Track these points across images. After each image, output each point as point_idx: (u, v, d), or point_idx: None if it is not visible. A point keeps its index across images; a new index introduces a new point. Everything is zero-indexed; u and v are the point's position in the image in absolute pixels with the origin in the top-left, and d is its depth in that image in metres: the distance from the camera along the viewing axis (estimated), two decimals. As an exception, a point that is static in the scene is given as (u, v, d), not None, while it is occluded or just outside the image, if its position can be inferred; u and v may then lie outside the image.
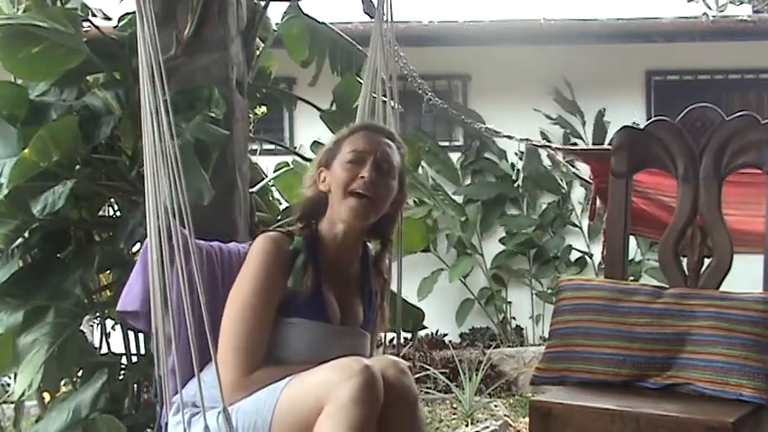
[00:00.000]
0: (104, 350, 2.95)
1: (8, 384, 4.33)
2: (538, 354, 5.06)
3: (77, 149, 2.61)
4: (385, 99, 2.52)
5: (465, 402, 5.21)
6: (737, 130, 2.59)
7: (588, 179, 3.47)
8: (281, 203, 3.35)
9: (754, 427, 2.28)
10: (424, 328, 3.30)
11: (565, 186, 7.23)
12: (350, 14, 4.02)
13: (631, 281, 3.17)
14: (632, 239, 3.21)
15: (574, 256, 7.17)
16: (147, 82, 1.87)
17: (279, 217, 3.04)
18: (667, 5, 7.73)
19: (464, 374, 5.40)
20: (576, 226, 7.22)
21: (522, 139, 3.97)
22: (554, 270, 7.12)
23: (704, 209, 2.60)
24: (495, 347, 6.59)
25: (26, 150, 2.40)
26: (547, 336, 2.98)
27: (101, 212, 3.01)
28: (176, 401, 1.98)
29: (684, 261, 2.64)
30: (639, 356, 2.46)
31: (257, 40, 3.03)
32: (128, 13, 2.92)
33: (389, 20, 2.54)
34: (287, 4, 3.20)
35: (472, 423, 5.02)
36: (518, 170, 7.30)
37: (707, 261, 2.60)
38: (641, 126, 2.80)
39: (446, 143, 7.45)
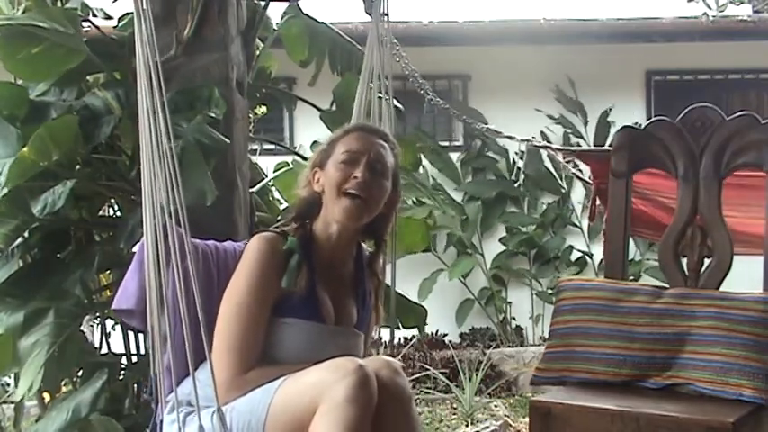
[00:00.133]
0: (104, 350, 2.94)
1: (8, 384, 4.33)
2: (538, 354, 5.06)
3: (77, 149, 2.61)
4: (381, 97, 2.52)
5: (465, 402, 5.21)
6: (737, 130, 2.59)
7: (588, 180, 3.48)
8: (281, 203, 3.35)
9: (754, 427, 2.28)
10: (426, 324, 3.30)
11: (565, 186, 7.23)
12: (350, 14, 4.02)
13: (631, 281, 3.17)
14: (631, 240, 3.20)
15: (574, 256, 7.17)
16: (144, 82, 1.88)
17: (279, 217, 3.04)
18: (667, 5, 7.73)
19: (464, 374, 5.40)
20: (577, 226, 7.22)
21: (522, 140, 3.97)
22: (554, 270, 7.12)
23: (704, 209, 2.60)
24: (495, 347, 6.59)
25: (25, 149, 2.40)
26: (547, 336, 2.98)
27: (101, 212, 3.01)
28: (171, 400, 1.99)
29: (684, 261, 2.64)
30: (639, 356, 2.46)
31: (257, 40, 3.03)
32: (128, 13, 2.91)
33: (386, 19, 2.54)
34: (287, 4, 3.20)
35: (472, 423, 5.02)
36: (518, 169, 7.30)
37: (707, 261, 2.60)
38: (641, 126, 2.80)
39: (446, 143, 7.45)
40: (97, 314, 2.99)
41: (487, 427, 4.81)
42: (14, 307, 2.60)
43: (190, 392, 1.93)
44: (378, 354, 2.48)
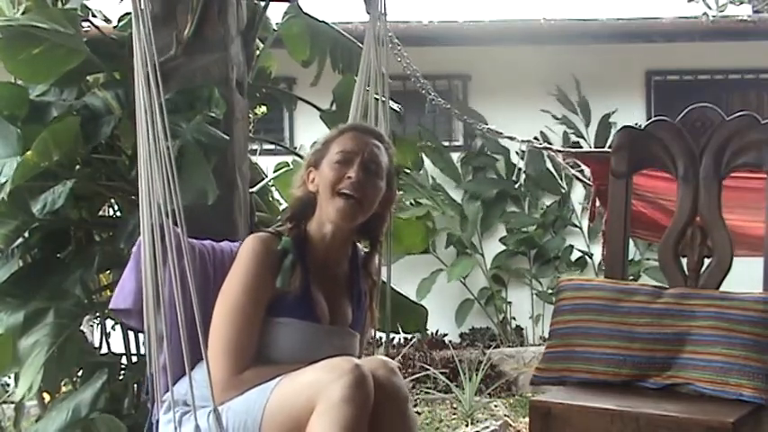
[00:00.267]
0: (104, 350, 2.95)
1: (8, 384, 4.33)
2: (538, 354, 5.06)
3: (77, 149, 2.61)
4: (377, 97, 2.52)
5: (465, 402, 5.21)
6: (737, 130, 2.59)
7: (588, 181, 3.48)
8: (281, 203, 3.35)
9: (754, 427, 2.28)
10: (427, 328, 3.30)
11: (565, 186, 7.23)
12: (350, 14, 4.02)
13: (630, 281, 3.17)
14: (630, 240, 3.21)
15: (574, 256, 7.17)
16: (142, 82, 1.88)
17: (279, 217, 3.05)
18: (667, 5, 7.73)
19: (464, 374, 5.40)
20: (577, 226, 7.22)
21: (523, 141, 3.97)
22: (554, 270, 7.12)
23: (704, 209, 2.60)
24: (495, 347, 6.60)
25: (29, 153, 2.40)
26: (547, 336, 2.98)
27: (101, 212, 3.01)
28: (167, 400, 1.99)
29: (684, 261, 2.64)
30: (639, 356, 2.46)
31: (257, 40, 3.03)
32: (127, 14, 2.91)
33: (384, 18, 2.53)
34: (287, 3, 3.20)
35: (472, 423, 5.03)
36: (519, 170, 7.29)
37: (707, 261, 2.60)
38: (641, 126, 2.80)
39: (446, 143, 7.45)
40: (97, 314, 2.99)
41: (487, 427, 4.82)
42: (14, 307, 2.60)
43: (186, 392, 1.93)
44: (376, 354, 2.48)
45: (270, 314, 2.07)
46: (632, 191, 2.77)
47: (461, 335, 7.06)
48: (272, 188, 3.36)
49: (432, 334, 6.65)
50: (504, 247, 7.20)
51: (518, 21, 7.14)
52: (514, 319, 7.17)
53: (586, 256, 7.14)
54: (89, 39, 2.76)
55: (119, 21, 2.99)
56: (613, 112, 7.21)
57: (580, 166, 3.95)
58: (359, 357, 2.14)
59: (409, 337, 6.49)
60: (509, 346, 6.74)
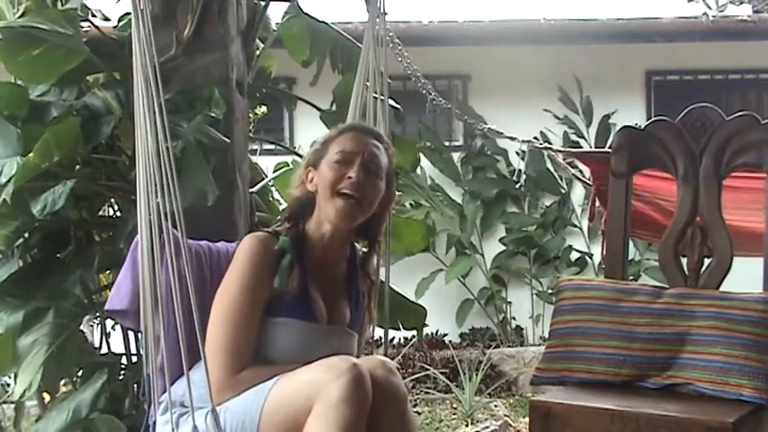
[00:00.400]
0: (104, 350, 2.95)
1: (8, 384, 4.33)
2: (538, 354, 5.06)
3: (77, 150, 2.61)
4: (376, 96, 2.52)
5: (465, 402, 5.21)
6: (737, 130, 2.59)
7: (588, 181, 3.48)
8: (281, 203, 3.35)
9: (754, 427, 2.28)
10: (426, 325, 3.30)
11: (565, 187, 7.23)
12: (350, 14, 4.02)
13: (630, 281, 3.17)
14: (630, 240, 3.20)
15: (574, 256, 7.17)
16: (141, 81, 1.87)
17: (279, 217, 3.05)
18: (667, 5, 7.73)
19: (464, 374, 5.40)
20: (577, 226, 7.22)
21: (524, 141, 3.97)
22: (554, 270, 7.12)
23: (704, 209, 2.60)
24: (495, 347, 6.59)
25: (31, 155, 2.41)
26: (547, 336, 2.98)
27: (101, 212, 3.01)
28: (165, 401, 1.99)
29: (684, 261, 2.64)
30: (639, 356, 2.46)
31: (257, 40, 3.03)
32: (127, 14, 2.91)
33: (383, 18, 2.53)
34: (287, 3, 3.20)
35: (472, 423, 5.03)
36: (519, 170, 7.30)
37: (707, 261, 2.60)
38: (641, 126, 2.80)
39: (446, 143, 7.45)
40: (97, 314, 2.99)
41: (487, 427, 4.81)
42: (14, 307, 2.60)
43: (183, 393, 1.92)
44: (375, 354, 2.48)
45: (267, 314, 2.06)
46: (632, 191, 2.77)
47: (461, 335, 7.06)
48: (272, 188, 3.37)
49: (432, 334, 6.65)
50: (503, 247, 7.20)
51: (518, 21, 7.14)
52: (514, 319, 7.17)
53: (586, 256, 7.14)
54: (89, 39, 2.76)
55: (119, 21, 2.99)
56: (613, 113, 7.21)
57: (578, 167, 3.95)
58: (357, 357, 2.14)
59: (409, 336, 6.49)
60: (509, 346, 6.74)
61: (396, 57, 3.43)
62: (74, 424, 2.51)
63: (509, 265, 7.19)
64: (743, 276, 2.63)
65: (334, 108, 3.19)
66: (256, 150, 3.84)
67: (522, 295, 7.18)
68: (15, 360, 2.57)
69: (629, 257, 3.64)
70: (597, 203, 3.20)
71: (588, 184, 3.52)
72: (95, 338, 3.25)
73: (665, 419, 2.20)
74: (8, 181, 2.43)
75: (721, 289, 2.55)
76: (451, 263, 7.08)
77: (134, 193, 2.51)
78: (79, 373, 2.80)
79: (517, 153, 7.26)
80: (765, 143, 2.55)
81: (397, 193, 2.29)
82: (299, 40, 3.21)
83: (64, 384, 2.91)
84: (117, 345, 2.93)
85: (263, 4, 3.01)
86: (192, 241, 2.17)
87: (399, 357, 5.76)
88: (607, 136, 7.04)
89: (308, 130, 4.81)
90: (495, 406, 5.42)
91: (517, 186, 7.25)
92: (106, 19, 3.13)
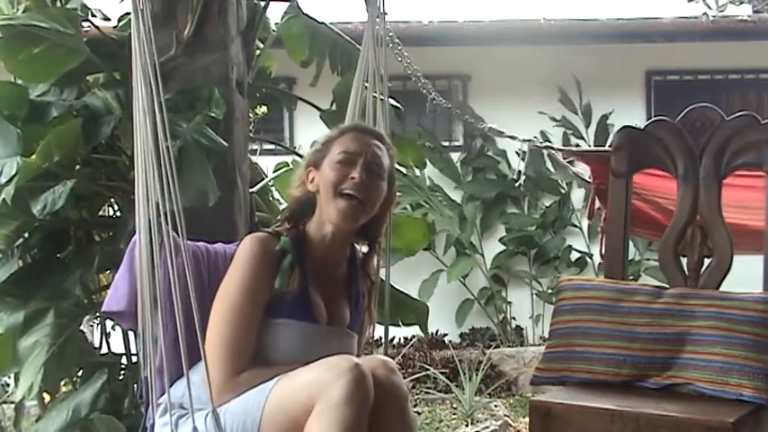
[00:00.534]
0: (104, 350, 2.95)
1: (8, 384, 4.33)
2: (538, 354, 5.06)
3: (78, 149, 2.61)
4: (376, 96, 2.51)
5: (465, 402, 5.21)
6: (737, 130, 2.59)
7: (588, 179, 3.48)
8: (281, 203, 3.35)
9: (754, 427, 2.28)
10: (428, 321, 3.29)
11: (565, 187, 7.23)
12: (350, 14, 4.02)
13: (630, 281, 3.17)
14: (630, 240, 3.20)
15: (574, 256, 7.17)
16: (141, 82, 1.87)
17: (279, 217, 3.05)
18: (667, 5, 7.73)
19: (464, 374, 5.40)
20: (577, 226, 7.22)
21: (524, 140, 3.97)
22: (554, 270, 7.12)
23: (704, 209, 2.60)
24: (495, 347, 6.60)
25: (33, 157, 2.41)
26: (547, 336, 2.98)
27: (101, 212, 3.01)
28: (163, 402, 1.98)
29: (684, 261, 2.64)
30: (639, 356, 2.46)
31: (257, 40, 3.03)
32: (127, 14, 2.91)
33: (383, 18, 2.53)
34: (287, 4, 3.20)
35: (472, 423, 5.03)
36: (519, 171, 7.29)
37: (707, 261, 2.60)
38: (641, 126, 2.80)
39: (446, 143, 7.45)
40: (97, 314, 2.99)
41: (487, 427, 4.81)
42: (14, 307, 2.60)
43: (182, 395, 1.92)
44: (375, 353, 2.48)
45: (268, 315, 2.05)
46: (632, 190, 2.77)
47: (461, 335, 7.06)
48: (272, 188, 3.36)
49: (432, 334, 6.65)
50: (503, 248, 7.20)
51: (518, 21, 7.14)
52: (514, 319, 7.17)
53: (586, 257, 7.14)
54: (89, 39, 2.76)
55: (119, 21, 2.99)
56: (611, 113, 7.20)
57: (579, 167, 3.95)
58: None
59: (409, 336, 6.49)
60: (509, 346, 6.74)
61: (396, 57, 3.43)
62: (73, 424, 2.51)
63: (509, 266, 7.19)
64: (743, 276, 2.63)
65: (334, 108, 3.19)
66: (256, 150, 3.84)
67: (521, 295, 7.18)
68: (16, 360, 2.57)
69: (629, 257, 3.65)
70: (597, 204, 3.20)
71: (588, 182, 3.52)
72: (95, 338, 3.25)
73: (665, 419, 2.20)
74: (8, 181, 2.43)
75: (721, 289, 2.55)
76: (452, 263, 7.08)
77: (134, 193, 2.51)
78: (79, 374, 2.79)
79: (517, 153, 7.25)
80: (765, 143, 2.55)
81: (397, 193, 2.29)
82: (298, 41, 3.21)
83: (64, 384, 2.91)
84: (117, 345, 2.93)
85: (262, 4, 3.01)
86: (190, 242, 2.17)
87: (399, 357, 5.76)
88: (606, 137, 7.04)
89: (308, 130, 4.82)
90: (495, 406, 5.42)
91: (516, 185, 7.24)
92: (106, 19, 3.13)
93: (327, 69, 3.27)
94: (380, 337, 3.96)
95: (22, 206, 2.54)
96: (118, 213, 2.99)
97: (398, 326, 3.13)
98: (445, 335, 6.84)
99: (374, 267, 2.30)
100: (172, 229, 1.87)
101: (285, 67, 3.55)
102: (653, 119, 2.80)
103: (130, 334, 2.84)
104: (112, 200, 2.98)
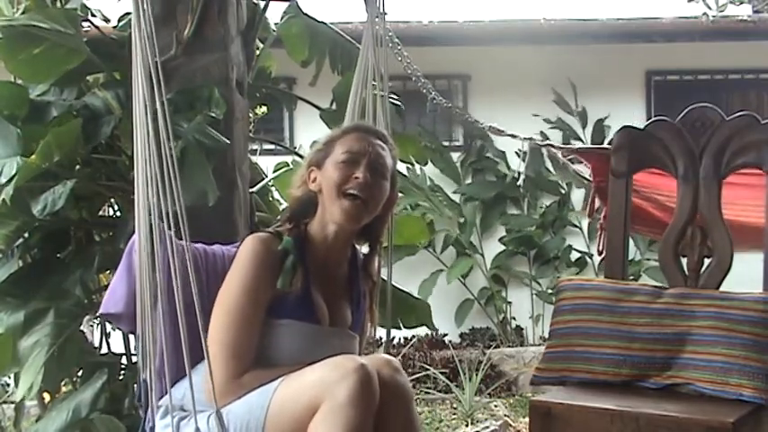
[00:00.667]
0: (104, 350, 2.95)
1: (8, 384, 4.33)
2: (538, 354, 5.06)
3: (78, 149, 2.61)
4: (376, 94, 2.51)
5: (465, 402, 5.21)
6: (737, 130, 2.59)
7: (588, 177, 3.47)
8: (281, 203, 3.35)
9: (754, 427, 2.28)
10: (431, 320, 3.29)
11: (565, 187, 7.23)
12: (349, 14, 4.02)
13: (630, 281, 3.17)
14: (630, 239, 3.20)
15: (574, 256, 7.17)
16: (141, 82, 1.87)
17: (279, 217, 3.05)
18: (667, 5, 7.73)
19: (464, 374, 5.40)
20: (576, 226, 7.22)
21: (525, 138, 3.97)
22: (554, 270, 7.12)
23: (704, 209, 2.60)
24: (495, 347, 6.60)
25: (33, 157, 2.41)
26: (547, 336, 2.98)
27: (101, 212, 3.01)
28: (164, 404, 1.96)
29: (684, 261, 2.64)
30: (639, 356, 2.46)
31: (257, 40, 3.03)
32: (127, 14, 2.92)
33: (383, 18, 2.53)
34: (287, 3, 3.20)
35: (472, 423, 5.02)
36: (519, 172, 7.29)
37: (707, 261, 2.60)
38: (641, 126, 2.80)
39: (446, 143, 7.45)
40: (97, 314, 2.99)
41: (487, 427, 4.81)
42: (14, 307, 2.60)
43: (183, 397, 1.91)
44: (376, 353, 2.47)
45: (270, 316, 2.04)
46: (632, 188, 2.77)
47: (461, 335, 7.06)
48: (272, 188, 3.37)
49: (432, 334, 6.65)
50: (503, 248, 7.20)
51: (518, 21, 7.14)
52: (514, 319, 7.17)
53: (586, 257, 7.14)
54: (89, 39, 2.76)
55: (119, 21, 2.99)
56: (606, 117, 7.21)
57: (580, 162, 3.95)
58: (359, 358, 2.14)
59: (409, 336, 6.49)
60: (509, 346, 6.74)
61: (396, 57, 3.43)
62: (73, 424, 2.51)
63: (509, 266, 7.19)
64: (743, 276, 2.63)
65: (333, 107, 3.19)
66: (256, 150, 3.84)
67: (521, 295, 7.18)
68: (16, 360, 2.57)
69: (630, 257, 3.65)
70: (597, 203, 3.20)
71: (588, 180, 3.52)
72: (95, 338, 3.25)
73: (665, 419, 2.20)
74: (8, 181, 2.43)
75: (721, 289, 2.55)
76: (452, 263, 7.08)
77: (134, 193, 2.51)
78: (79, 374, 2.80)
79: (517, 154, 7.26)
80: (765, 143, 2.55)
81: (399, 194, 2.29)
82: (297, 41, 3.21)
83: (64, 384, 2.91)
84: (117, 345, 2.93)
85: (262, 4, 3.01)
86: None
87: (399, 357, 5.76)
88: (602, 140, 7.04)
89: (308, 130, 4.82)
90: (495, 406, 5.42)
91: (516, 186, 7.25)
92: (106, 19, 3.13)
93: (327, 69, 3.27)
94: (381, 338, 3.96)
95: (22, 206, 2.54)
96: (118, 213, 2.99)
97: (399, 328, 3.13)
98: (445, 335, 6.84)
99: (375, 268, 2.29)
100: (174, 230, 1.86)
101: (285, 67, 3.55)
102: (653, 119, 2.80)
103: (130, 334, 2.85)
104: (112, 200, 2.98)
